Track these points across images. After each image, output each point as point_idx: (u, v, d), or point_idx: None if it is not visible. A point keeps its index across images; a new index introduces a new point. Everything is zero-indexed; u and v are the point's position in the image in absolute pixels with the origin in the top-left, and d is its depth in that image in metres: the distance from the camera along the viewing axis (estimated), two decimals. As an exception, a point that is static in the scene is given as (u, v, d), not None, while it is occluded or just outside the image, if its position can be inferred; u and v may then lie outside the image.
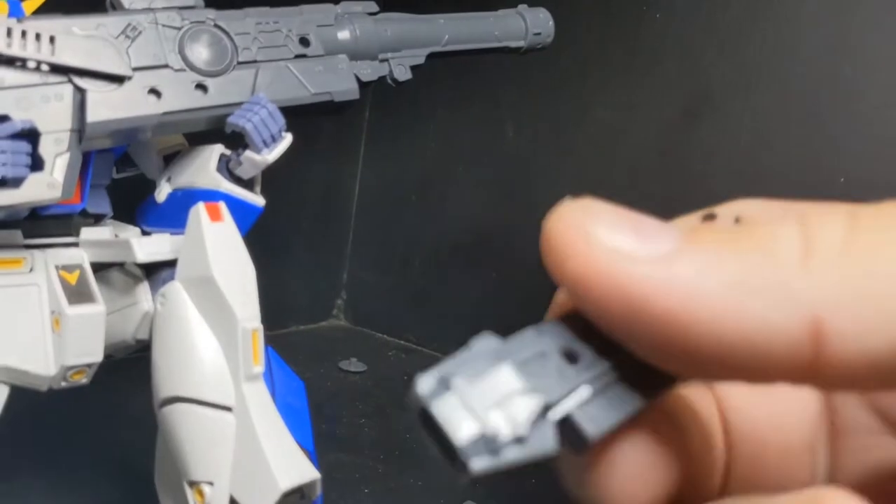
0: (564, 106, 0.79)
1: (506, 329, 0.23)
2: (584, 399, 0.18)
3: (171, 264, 0.40)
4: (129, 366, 0.42)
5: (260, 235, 0.77)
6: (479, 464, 0.17)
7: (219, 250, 0.37)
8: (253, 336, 0.37)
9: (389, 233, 0.92)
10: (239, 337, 0.37)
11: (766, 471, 0.28)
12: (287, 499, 0.37)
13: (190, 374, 0.37)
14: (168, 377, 0.38)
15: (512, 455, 0.17)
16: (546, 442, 0.18)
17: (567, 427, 0.18)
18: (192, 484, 0.37)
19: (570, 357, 0.19)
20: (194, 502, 0.37)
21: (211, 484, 0.37)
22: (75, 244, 0.42)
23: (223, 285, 0.37)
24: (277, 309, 0.85)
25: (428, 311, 0.88)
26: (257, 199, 0.41)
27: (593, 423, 0.18)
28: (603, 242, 0.18)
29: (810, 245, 0.17)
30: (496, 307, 0.81)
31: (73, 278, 0.40)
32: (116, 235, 0.43)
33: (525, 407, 0.18)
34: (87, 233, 0.42)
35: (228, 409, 0.37)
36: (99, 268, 0.42)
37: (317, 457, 0.40)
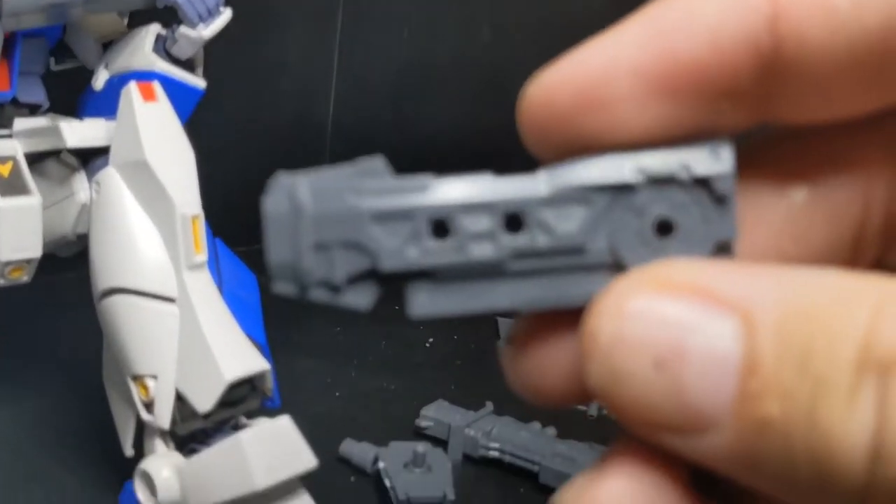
0: (542, 6, 0.75)
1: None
2: (429, 271, 0.17)
3: (107, 151, 0.37)
4: (73, 262, 0.40)
5: (238, 145, 0.74)
6: (282, 288, 0.17)
7: (152, 132, 0.35)
8: (193, 223, 0.35)
9: (366, 142, 0.89)
10: (178, 224, 0.35)
11: None
12: (235, 391, 0.35)
13: (128, 264, 0.35)
14: (106, 268, 0.36)
15: (319, 296, 0.16)
16: (361, 298, 0.17)
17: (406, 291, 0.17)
18: (136, 378, 0.35)
19: (442, 229, 0.17)
20: (139, 397, 0.35)
21: (155, 377, 0.35)
22: (8, 136, 0.39)
23: (158, 169, 0.35)
24: (256, 221, 0.83)
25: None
26: (197, 81, 0.39)
27: (424, 304, 0.17)
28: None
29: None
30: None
31: (5, 170, 0.38)
32: (55, 127, 0.40)
33: (347, 262, 0.16)
34: (21, 123, 0.39)
35: (171, 300, 0.35)
36: (34, 160, 0.39)
37: (270, 349, 0.38)
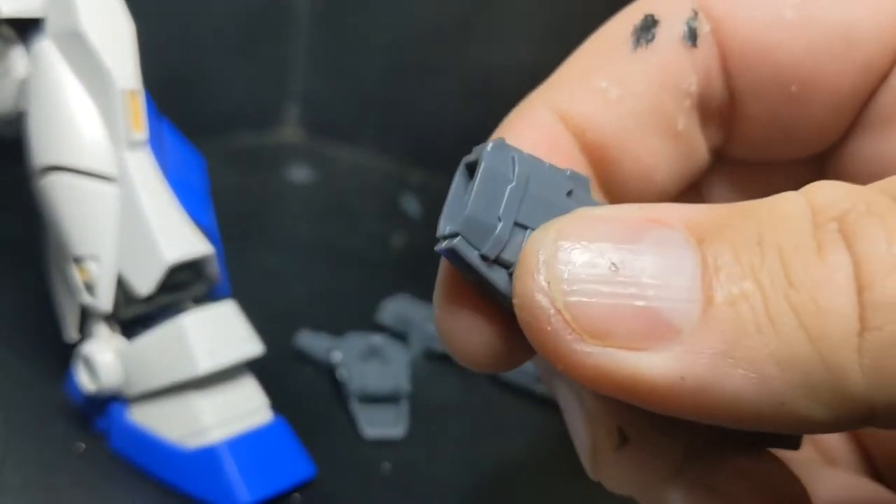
0: None
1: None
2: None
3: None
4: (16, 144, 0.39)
5: (200, 30, 0.71)
6: (455, 244, 0.17)
7: (88, 1, 0.33)
8: (131, 98, 0.33)
9: (346, 33, 0.87)
10: (116, 99, 0.33)
11: None
12: (178, 275, 0.34)
13: (66, 141, 0.34)
14: (43, 145, 0.34)
15: (476, 264, 0.18)
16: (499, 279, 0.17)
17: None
18: (77, 260, 0.34)
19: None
20: (80, 280, 0.34)
21: (95, 259, 0.34)
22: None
23: (94, 41, 0.33)
24: (220, 113, 0.80)
25: (387, 117, 0.84)
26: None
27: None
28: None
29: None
30: (461, 112, 0.77)
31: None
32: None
33: (510, 246, 0.17)
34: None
35: (110, 179, 0.34)
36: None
37: (220, 235, 0.37)
